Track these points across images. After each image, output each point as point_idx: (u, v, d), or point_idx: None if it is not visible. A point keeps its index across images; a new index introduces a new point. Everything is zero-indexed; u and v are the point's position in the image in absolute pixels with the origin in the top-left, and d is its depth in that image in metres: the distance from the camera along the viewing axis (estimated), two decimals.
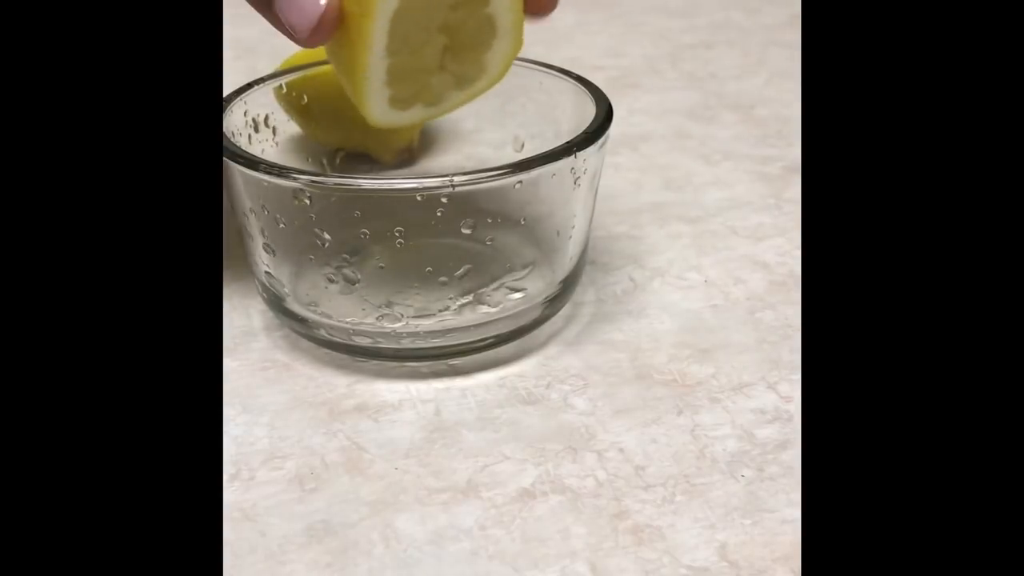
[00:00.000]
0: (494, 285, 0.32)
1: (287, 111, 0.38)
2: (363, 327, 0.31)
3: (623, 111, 0.51)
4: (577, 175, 0.31)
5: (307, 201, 0.29)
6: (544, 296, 0.32)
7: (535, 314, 0.32)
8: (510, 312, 0.32)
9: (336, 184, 0.29)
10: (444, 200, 0.28)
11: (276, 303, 0.33)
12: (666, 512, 0.26)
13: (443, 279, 0.31)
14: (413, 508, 0.27)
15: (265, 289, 0.33)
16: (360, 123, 0.32)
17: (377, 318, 0.31)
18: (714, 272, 0.37)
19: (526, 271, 0.32)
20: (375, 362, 0.32)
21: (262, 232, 0.31)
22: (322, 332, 0.32)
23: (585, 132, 0.30)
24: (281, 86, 0.36)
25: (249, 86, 0.35)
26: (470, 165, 0.40)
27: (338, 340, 0.32)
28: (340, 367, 0.32)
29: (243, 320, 0.34)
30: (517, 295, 0.32)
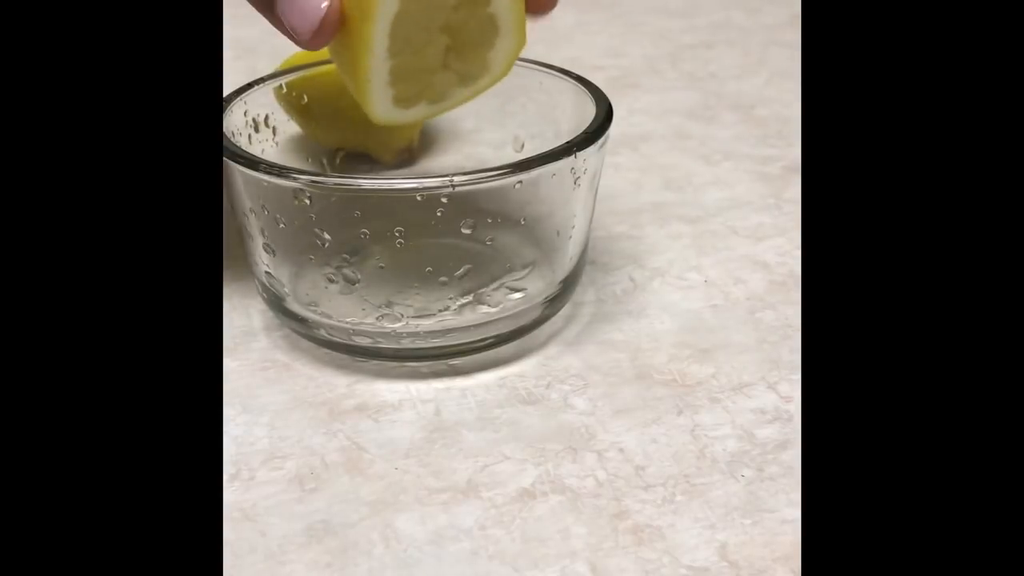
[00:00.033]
0: (494, 285, 0.32)
1: (287, 111, 0.38)
2: (363, 327, 0.31)
3: (623, 111, 0.51)
4: (577, 175, 0.31)
5: (307, 201, 0.29)
6: (544, 296, 0.32)
7: (535, 314, 0.32)
8: (510, 312, 0.32)
9: (336, 184, 0.29)
10: (444, 200, 0.28)
11: (276, 303, 0.33)
12: (666, 512, 0.26)
13: (443, 279, 0.31)
14: (413, 508, 0.27)
15: (265, 289, 0.33)
16: (360, 123, 0.32)
17: (377, 318, 0.31)
18: (714, 272, 0.37)
19: (526, 271, 0.32)
20: (375, 362, 0.32)
21: (262, 232, 0.31)
22: (322, 332, 0.32)
23: (585, 132, 0.30)
24: (281, 86, 0.36)
25: (249, 86, 0.35)
26: (470, 165, 0.39)
27: (338, 340, 0.32)
28: (340, 367, 0.32)
29: (243, 320, 0.34)
30: (517, 295, 0.32)
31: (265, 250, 0.31)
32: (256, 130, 0.35)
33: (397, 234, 0.30)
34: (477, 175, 0.28)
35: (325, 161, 0.40)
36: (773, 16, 0.69)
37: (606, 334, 0.34)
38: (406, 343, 0.31)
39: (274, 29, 0.29)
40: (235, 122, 0.33)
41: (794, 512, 0.26)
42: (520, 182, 0.29)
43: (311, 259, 0.32)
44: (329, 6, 0.27)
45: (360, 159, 0.41)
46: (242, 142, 0.34)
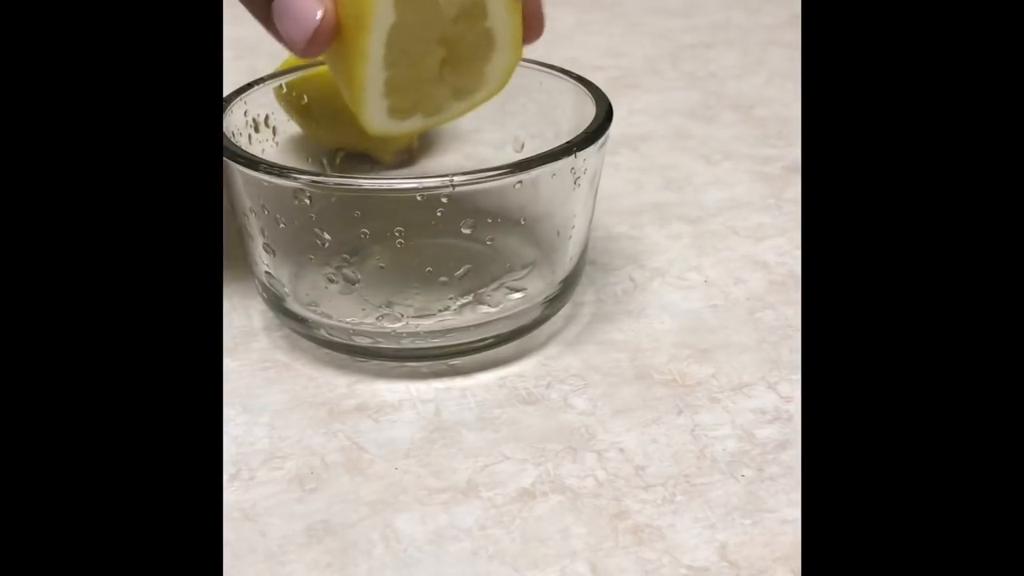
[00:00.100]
0: (494, 285, 0.32)
1: (287, 111, 0.38)
2: (363, 327, 0.31)
3: (623, 111, 0.51)
4: (577, 175, 0.31)
5: (307, 201, 0.29)
6: (544, 296, 0.32)
7: (535, 314, 0.32)
8: (510, 312, 0.32)
9: (336, 184, 0.29)
10: (444, 200, 0.28)
11: (276, 303, 0.33)
12: (666, 512, 0.26)
13: (443, 279, 0.31)
14: (413, 508, 0.27)
15: (265, 289, 0.33)
16: (360, 123, 0.32)
17: (377, 318, 0.31)
18: (714, 272, 0.37)
19: (526, 271, 0.32)
20: (375, 362, 0.32)
21: (262, 232, 0.31)
22: (322, 332, 0.32)
23: (585, 132, 0.30)
24: (281, 86, 0.36)
25: (249, 86, 0.35)
26: (470, 165, 0.39)
27: (338, 340, 0.32)
28: (340, 367, 0.32)
29: (243, 320, 0.34)
30: (517, 295, 0.32)
31: (265, 250, 0.31)
32: (256, 130, 0.35)
33: (397, 234, 0.30)
34: (477, 175, 0.28)
35: (325, 161, 0.40)
36: (773, 16, 0.69)
37: (606, 334, 0.34)
38: (406, 343, 0.31)
39: None
40: (235, 122, 0.33)
41: (794, 512, 0.26)
42: (520, 182, 0.29)
43: (311, 259, 0.32)
44: (324, 16, 0.28)
45: (360, 159, 0.41)
46: (242, 142, 0.34)
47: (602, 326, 0.34)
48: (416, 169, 0.43)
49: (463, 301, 0.31)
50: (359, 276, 0.31)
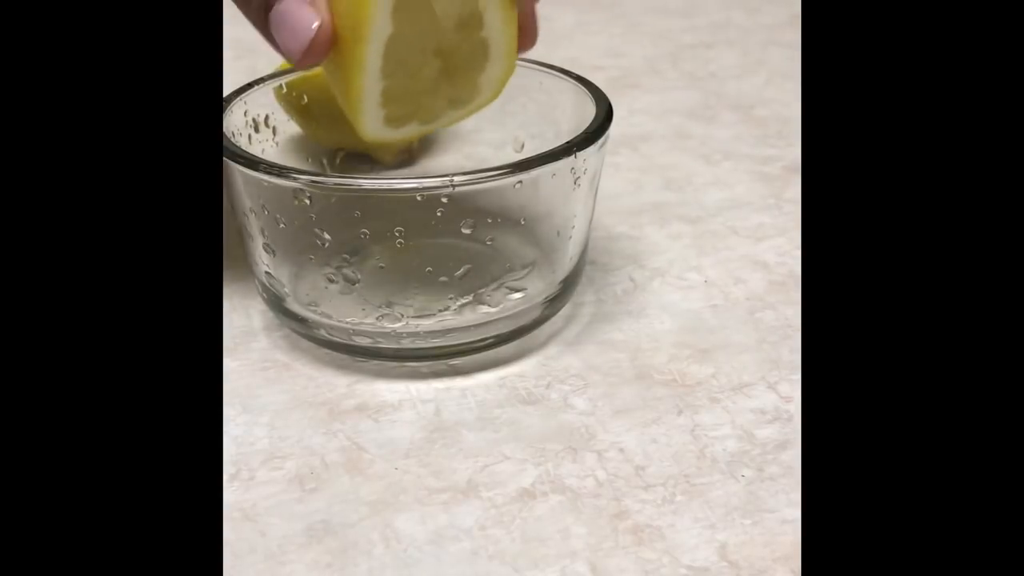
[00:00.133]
0: (494, 285, 0.32)
1: (287, 111, 0.38)
2: (363, 327, 0.31)
3: (623, 111, 0.51)
4: (577, 175, 0.31)
5: (307, 201, 0.29)
6: (544, 296, 0.32)
7: (535, 314, 0.32)
8: (510, 312, 0.32)
9: (336, 184, 0.29)
10: (444, 200, 0.28)
11: (276, 303, 0.33)
12: (666, 512, 0.26)
13: (443, 279, 0.31)
14: (413, 508, 0.27)
15: (265, 289, 0.33)
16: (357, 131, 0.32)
17: (377, 318, 0.31)
18: (714, 272, 0.37)
19: (526, 271, 0.32)
20: (375, 362, 0.32)
21: (262, 232, 0.31)
22: (322, 332, 0.32)
23: (585, 132, 0.30)
24: (281, 86, 0.36)
25: (249, 86, 0.35)
26: (470, 165, 0.39)
27: (338, 340, 0.32)
28: (340, 367, 0.32)
29: (243, 320, 0.34)
30: (517, 295, 0.32)
31: (265, 250, 0.31)
32: (256, 130, 0.35)
33: (397, 234, 0.30)
34: (477, 175, 0.28)
35: (325, 161, 0.40)
36: (773, 16, 0.69)
37: (606, 334, 0.34)
38: (406, 343, 0.31)
39: None
40: (235, 122, 0.33)
41: (794, 512, 0.26)
42: (520, 182, 0.29)
43: (311, 259, 0.32)
44: (320, 27, 0.28)
45: (360, 159, 0.41)
46: (242, 142, 0.34)
47: (602, 326, 0.34)
48: (416, 169, 0.43)
49: (463, 301, 0.31)
50: (359, 276, 0.31)
